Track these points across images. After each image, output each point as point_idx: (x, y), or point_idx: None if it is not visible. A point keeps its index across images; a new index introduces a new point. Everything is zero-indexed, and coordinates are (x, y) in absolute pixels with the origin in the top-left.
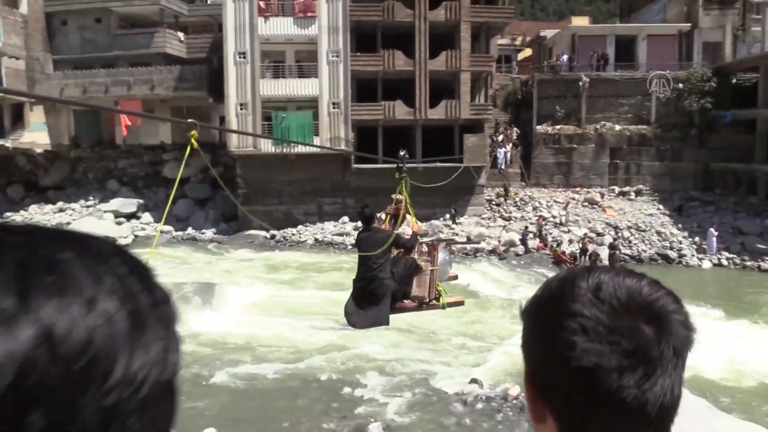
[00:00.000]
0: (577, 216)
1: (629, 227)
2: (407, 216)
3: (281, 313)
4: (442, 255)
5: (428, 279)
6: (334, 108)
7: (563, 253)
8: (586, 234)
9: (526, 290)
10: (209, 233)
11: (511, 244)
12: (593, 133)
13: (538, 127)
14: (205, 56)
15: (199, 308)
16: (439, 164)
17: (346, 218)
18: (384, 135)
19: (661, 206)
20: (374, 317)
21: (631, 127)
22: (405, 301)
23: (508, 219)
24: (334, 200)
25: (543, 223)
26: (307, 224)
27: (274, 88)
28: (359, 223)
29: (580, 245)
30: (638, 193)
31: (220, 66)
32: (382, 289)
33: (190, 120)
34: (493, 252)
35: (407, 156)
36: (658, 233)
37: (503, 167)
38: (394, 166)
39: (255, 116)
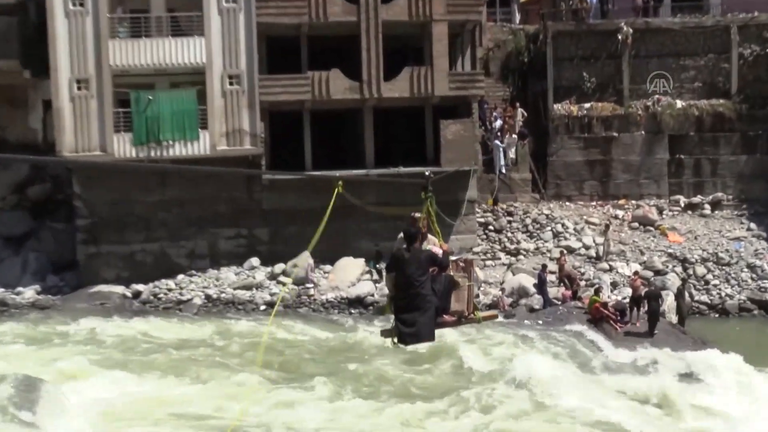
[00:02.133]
0: (622, 245)
1: (704, 259)
2: (430, 236)
3: (150, 425)
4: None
5: (466, 294)
6: (231, 84)
7: (604, 305)
8: (637, 273)
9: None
10: (29, 292)
11: (522, 293)
12: (642, 114)
13: (557, 107)
14: (13, 3)
15: (14, 424)
16: (401, 170)
17: (255, 261)
18: (314, 125)
19: (752, 225)
20: (421, 333)
21: (701, 102)
22: (445, 316)
23: (516, 253)
24: (237, 232)
25: (564, 261)
26: (193, 272)
27: (133, 53)
28: (287, 267)
29: (630, 290)
30: (716, 205)
31: (42, 19)
32: (425, 304)
33: None
34: (493, 307)
35: (432, 176)
36: (751, 267)
37: (504, 171)
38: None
39: (102, 100)
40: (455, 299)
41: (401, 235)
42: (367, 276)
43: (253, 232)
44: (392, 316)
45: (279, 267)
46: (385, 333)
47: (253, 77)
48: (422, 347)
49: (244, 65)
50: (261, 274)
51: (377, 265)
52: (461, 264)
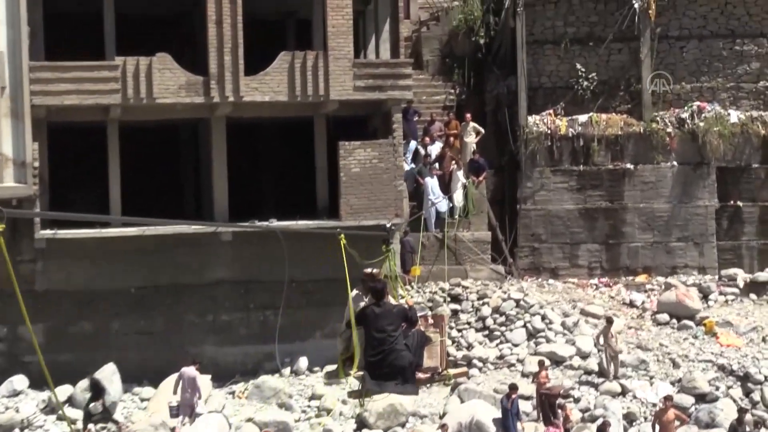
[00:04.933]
0: (642, 350)
1: None
2: (392, 291)
3: None
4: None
5: (438, 350)
6: None
7: None
8: (668, 399)
9: None
10: None
11: None
12: (674, 132)
13: (534, 120)
14: None
15: None
16: (271, 224)
17: (20, 380)
18: (125, 148)
19: None
20: (402, 389)
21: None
22: (419, 373)
23: (465, 366)
24: None
25: (544, 379)
26: None
27: None
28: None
29: (654, 428)
30: None
31: None
32: (401, 360)
33: None
34: None
35: (394, 227)
36: None
37: (439, 227)
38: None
39: None
40: (428, 355)
41: (354, 293)
42: (215, 404)
43: (17, 332)
44: (347, 378)
45: (64, 391)
46: (353, 394)
47: (21, 65)
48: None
49: (4, 43)
50: (30, 405)
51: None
52: (430, 320)
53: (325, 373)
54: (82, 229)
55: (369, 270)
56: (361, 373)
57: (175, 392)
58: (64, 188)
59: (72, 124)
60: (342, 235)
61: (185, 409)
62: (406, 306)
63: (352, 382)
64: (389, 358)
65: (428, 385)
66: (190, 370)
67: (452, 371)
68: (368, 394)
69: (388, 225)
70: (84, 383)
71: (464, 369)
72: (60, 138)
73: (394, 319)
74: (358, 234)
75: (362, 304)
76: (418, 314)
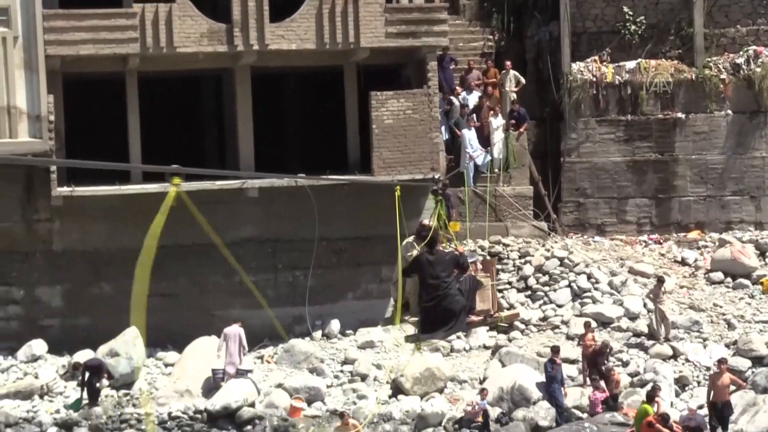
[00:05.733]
0: (695, 311)
1: None
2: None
3: None
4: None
5: (490, 294)
6: None
7: (663, 419)
8: (723, 362)
9: None
10: None
11: (518, 398)
12: (729, 79)
13: (578, 67)
14: None
15: None
16: (299, 181)
17: (39, 345)
18: (145, 100)
19: None
20: (452, 332)
21: None
22: (471, 316)
23: (507, 328)
24: (3, 294)
25: (591, 341)
26: None
27: None
28: (103, 354)
29: (712, 394)
30: None
31: None
32: (455, 304)
33: None
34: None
35: (447, 182)
36: None
37: (474, 178)
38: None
39: None
40: (480, 299)
41: (408, 239)
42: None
43: (35, 294)
44: (402, 326)
45: (83, 356)
46: (409, 339)
47: (34, 14)
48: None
49: None
50: (49, 370)
51: None
52: (480, 265)
53: (405, 337)
54: (101, 186)
55: (424, 221)
56: (415, 318)
57: (219, 355)
58: (81, 143)
59: (88, 75)
60: (398, 187)
61: (230, 368)
62: (457, 253)
63: (408, 328)
64: (444, 302)
65: (481, 327)
66: (234, 329)
67: (504, 314)
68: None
69: (438, 177)
70: (104, 349)
71: (516, 312)
72: (75, 91)
73: (447, 266)
74: (410, 185)
75: (415, 252)
76: (469, 260)
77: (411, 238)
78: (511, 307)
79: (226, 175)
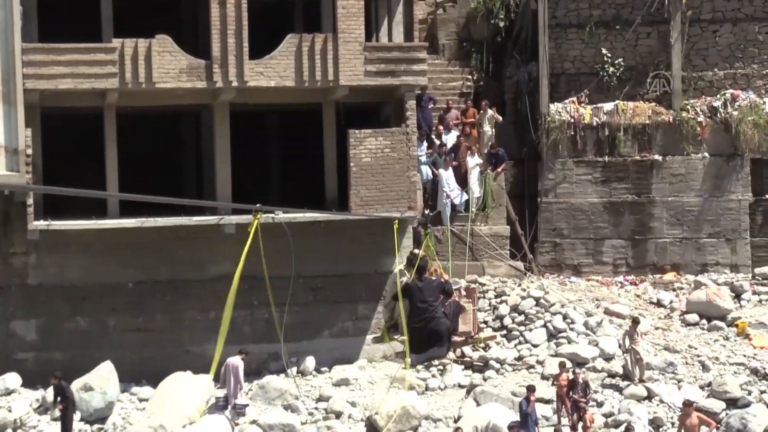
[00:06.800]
0: (670, 353)
1: None
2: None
3: None
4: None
5: (471, 317)
6: None
7: None
8: (687, 403)
9: None
10: None
11: None
12: (706, 122)
13: (556, 108)
14: None
15: None
16: (276, 217)
17: (12, 378)
18: (123, 136)
19: None
20: (438, 352)
21: None
22: (454, 336)
23: (482, 367)
24: None
25: (564, 381)
26: None
27: None
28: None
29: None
30: None
31: None
32: (440, 325)
33: None
34: None
35: (431, 214)
36: None
37: (451, 218)
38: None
39: None
40: (462, 322)
41: (400, 267)
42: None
43: (9, 327)
44: (391, 343)
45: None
46: (399, 355)
47: (13, 47)
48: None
49: None
50: (23, 404)
51: None
52: (463, 291)
53: (372, 338)
54: (78, 220)
55: (414, 250)
56: (404, 337)
57: (222, 385)
58: (58, 178)
59: (67, 110)
60: (396, 222)
61: (228, 401)
62: (442, 280)
63: (396, 346)
64: (431, 324)
65: (462, 347)
66: (235, 360)
67: (483, 335)
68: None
69: (426, 212)
70: (79, 383)
71: (494, 334)
72: (52, 126)
73: (434, 291)
74: (394, 219)
75: (404, 279)
76: (453, 287)
77: (402, 266)
78: (486, 347)
79: (236, 207)
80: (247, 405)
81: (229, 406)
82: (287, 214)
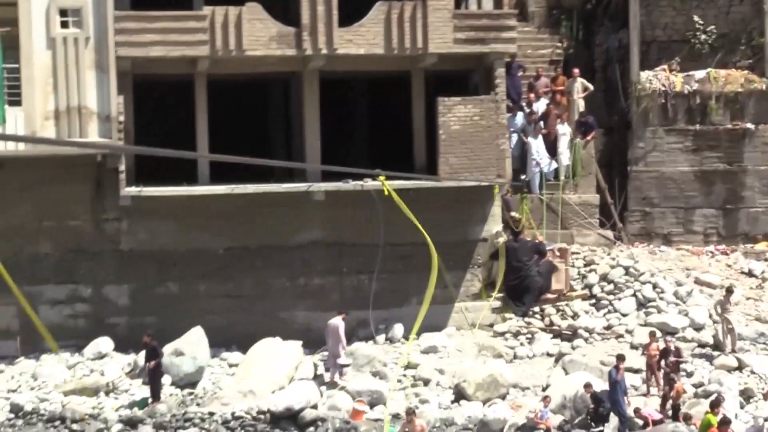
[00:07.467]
0: (762, 323)
1: None
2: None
3: None
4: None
5: (564, 276)
6: (65, 26)
7: (723, 422)
8: None
9: None
10: None
11: (581, 406)
12: None
13: (647, 76)
14: None
15: None
16: (365, 185)
17: (105, 342)
18: (213, 103)
19: None
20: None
21: None
22: (548, 294)
23: (571, 336)
24: (71, 292)
25: (655, 350)
26: None
27: None
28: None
29: None
30: None
31: None
32: (534, 283)
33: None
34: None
35: (526, 179)
36: None
37: (544, 188)
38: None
39: None
40: (555, 280)
41: (498, 229)
42: (306, 371)
43: (102, 293)
44: (488, 300)
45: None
46: (497, 310)
47: (106, 15)
48: None
49: None
50: (115, 368)
51: None
52: (557, 252)
53: (471, 295)
54: (169, 186)
55: (513, 214)
56: (500, 294)
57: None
58: (149, 144)
59: (158, 77)
60: (496, 187)
61: (330, 360)
62: (537, 241)
63: (493, 303)
64: (525, 282)
65: (555, 303)
66: (335, 321)
67: (574, 293)
68: (507, 310)
69: (522, 177)
70: (169, 348)
71: (585, 292)
72: (144, 92)
73: (529, 252)
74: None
75: (502, 240)
76: (547, 248)
77: (500, 227)
78: (575, 316)
79: (357, 173)
80: (348, 365)
81: (332, 365)
82: (399, 180)
